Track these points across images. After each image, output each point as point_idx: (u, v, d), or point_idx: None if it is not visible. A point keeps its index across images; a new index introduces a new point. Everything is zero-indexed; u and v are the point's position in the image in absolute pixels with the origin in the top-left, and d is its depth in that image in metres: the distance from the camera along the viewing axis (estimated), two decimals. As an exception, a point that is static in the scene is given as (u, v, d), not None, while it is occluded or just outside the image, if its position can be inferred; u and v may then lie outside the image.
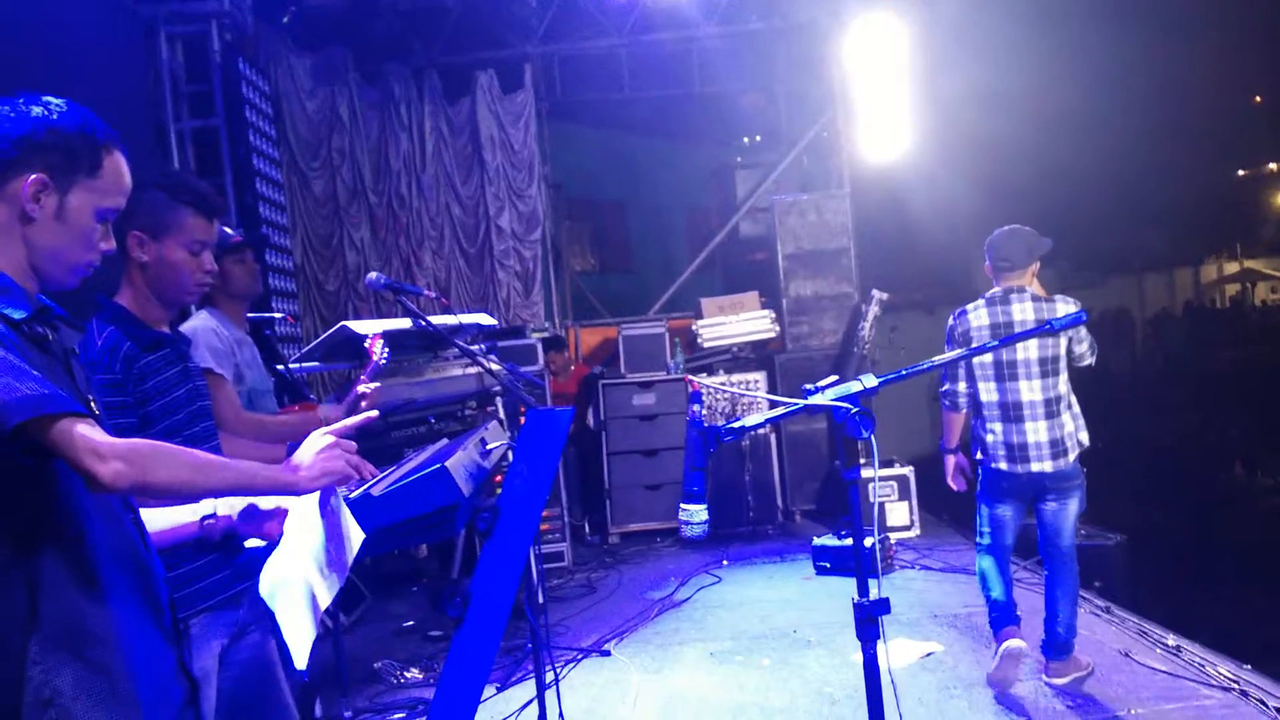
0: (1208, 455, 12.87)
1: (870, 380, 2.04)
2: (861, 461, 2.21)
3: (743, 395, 6.33)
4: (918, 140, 8.56)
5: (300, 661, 1.94)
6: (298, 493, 1.91)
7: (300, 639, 2.00)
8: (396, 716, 4.35)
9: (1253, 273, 30.27)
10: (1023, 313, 4.07)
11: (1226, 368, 20.06)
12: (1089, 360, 4.12)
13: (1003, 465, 4.10)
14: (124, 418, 2.28)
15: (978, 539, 4.31)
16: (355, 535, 2.13)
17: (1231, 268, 30.94)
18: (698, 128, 11.94)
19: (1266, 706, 3.72)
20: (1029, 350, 4.03)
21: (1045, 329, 2.47)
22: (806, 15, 8.83)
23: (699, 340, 8.08)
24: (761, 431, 7.63)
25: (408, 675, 4.81)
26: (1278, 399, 15.34)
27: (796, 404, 2.04)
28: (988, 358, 4.08)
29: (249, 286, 3.55)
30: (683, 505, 2.12)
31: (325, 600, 2.05)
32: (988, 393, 4.12)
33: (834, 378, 2.10)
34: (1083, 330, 3.96)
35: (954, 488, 4.46)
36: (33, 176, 1.67)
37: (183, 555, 2.30)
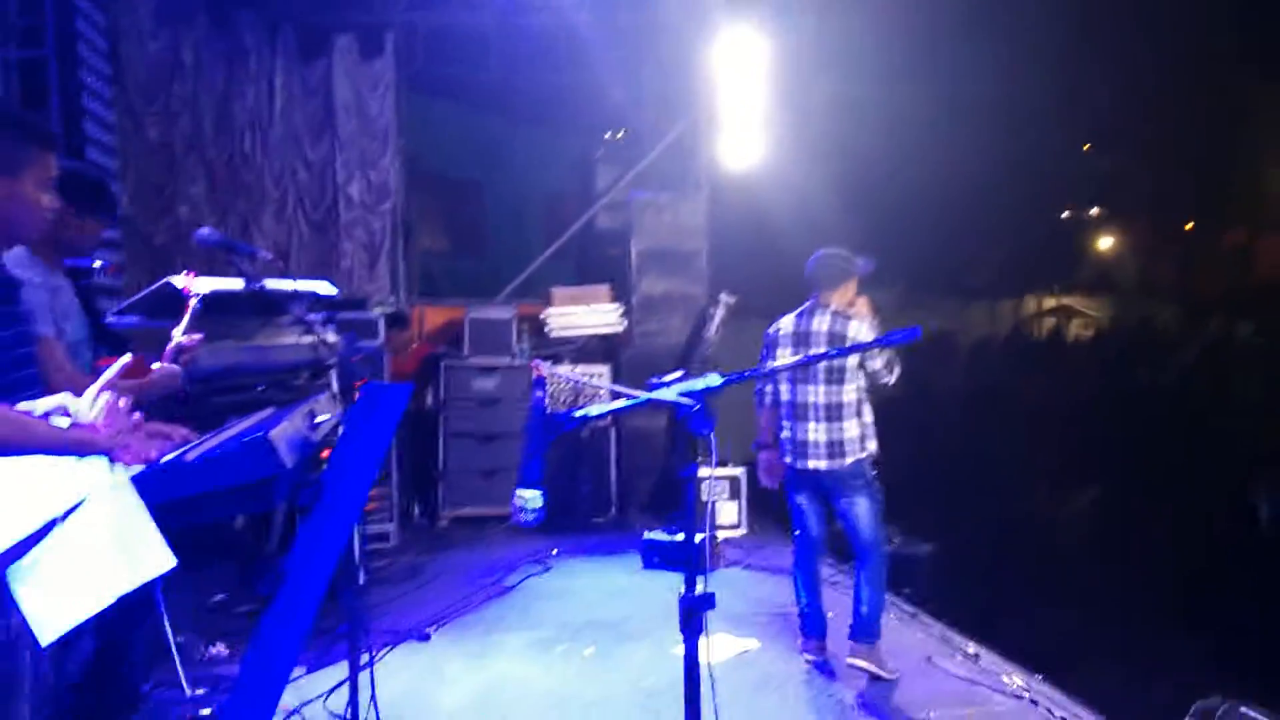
0: (1016, 477, 13.67)
1: (714, 379, 2.05)
2: (699, 459, 2.22)
3: (587, 384, 6.34)
4: (776, 149, 8.74)
5: (45, 638, 1.80)
6: (100, 453, 1.81)
7: (53, 616, 1.84)
8: (198, 692, 4.13)
9: (1068, 309, 32.39)
10: (819, 324, 4.45)
11: (1039, 396, 21.41)
12: (886, 379, 4.43)
13: (789, 459, 4.53)
14: None
15: (792, 530, 4.71)
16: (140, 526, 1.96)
17: (1049, 302, 33.00)
18: (562, 116, 11.84)
19: (1053, 715, 3.96)
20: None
21: (885, 341, 2.57)
22: (676, 17, 8.89)
23: (547, 329, 8.03)
24: (601, 424, 7.64)
25: (213, 651, 4.57)
26: (1082, 430, 16.48)
27: (641, 396, 2.03)
28: (786, 362, 4.48)
29: (80, 247, 3.28)
30: (518, 491, 2.08)
31: (113, 589, 1.90)
32: (785, 393, 4.55)
33: (679, 373, 2.10)
34: (876, 350, 4.36)
35: (765, 483, 4.82)
36: None
37: None
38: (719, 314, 7.96)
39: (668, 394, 2.04)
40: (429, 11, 8.80)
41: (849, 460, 4.38)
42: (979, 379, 24.19)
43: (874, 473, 4.47)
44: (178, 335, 3.29)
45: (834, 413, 4.39)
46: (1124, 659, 6.41)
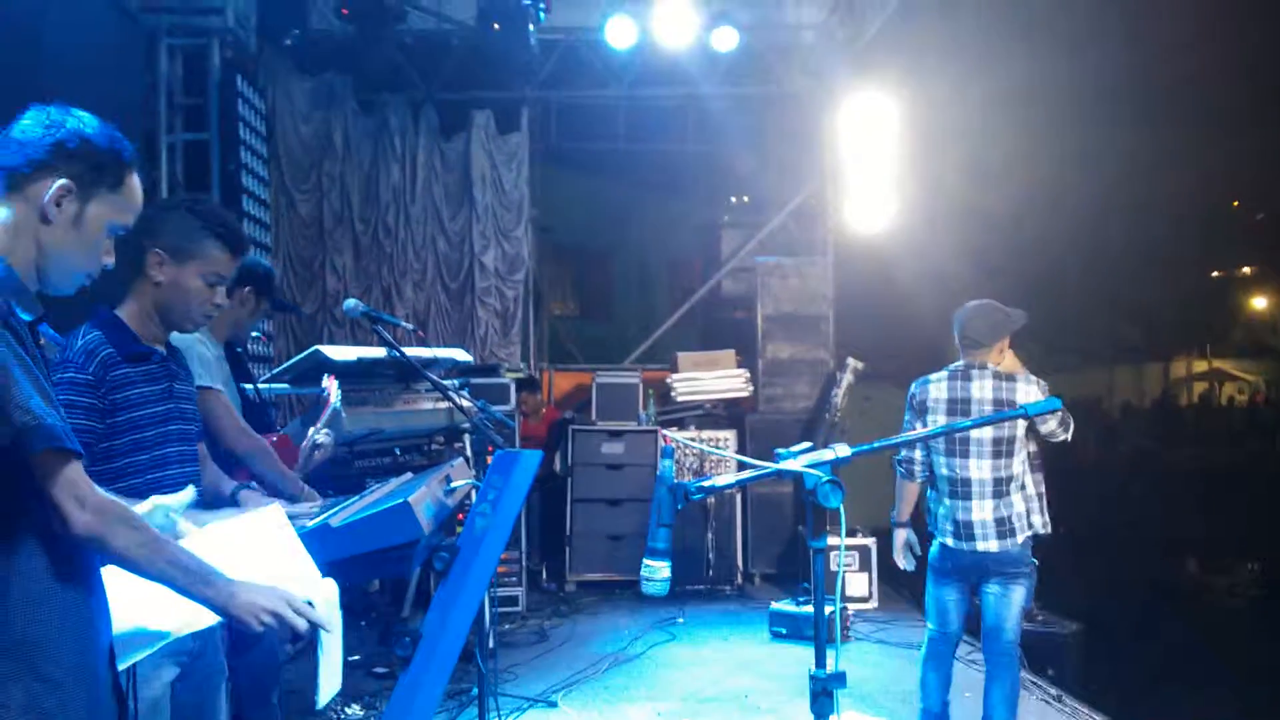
0: (1167, 551, 12.94)
1: (843, 449, 2.02)
2: (827, 530, 2.19)
3: (713, 453, 6.31)
4: (905, 213, 8.66)
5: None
6: (223, 615, 1.82)
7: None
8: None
9: (1221, 373, 30.75)
10: (981, 390, 3.96)
11: (1190, 465, 20.28)
12: (1062, 436, 4.00)
13: (949, 541, 4.01)
14: (87, 420, 2.22)
15: (926, 622, 4.19)
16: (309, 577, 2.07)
17: (1200, 366, 31.41)
18: (688, 183, 12.05)
19: (1213, 809, 3.69)
20: (983, 429, 3.89)
21: (1020, 413, 2.47)
22: (801, 86, 8.97)
23: (672, 394, 8.07)
24: (728, 491, 7.59)
25: (349, 711, 4.69)
26: (1238, 500, 15.51)
27: (768, 467, 2.02)
28: (934, 428, 4.00)
29: (242, 323, 3.56)
30: (646, 561, 2.09)
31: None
32: (940, 466, 4.04)
33: (807, 444, 2.08)
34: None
35: (900, 565, 4.35)
36: (60, 181, 1.76)
37: None
38: (846, 379, 7.86)
39: (794, 465, 2.03)
40: (563, 88, 9.13)
41: (1020, 539, 3.92)
42: (1126, 446, 23.10)
43: (1034, 560, 4.03)
44: (318, 437, 3.46)
45: (1002, 487, 3.92)
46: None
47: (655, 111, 9.60)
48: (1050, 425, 3.94)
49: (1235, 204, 28.79)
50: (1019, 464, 3.95)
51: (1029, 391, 3.90)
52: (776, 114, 9.61)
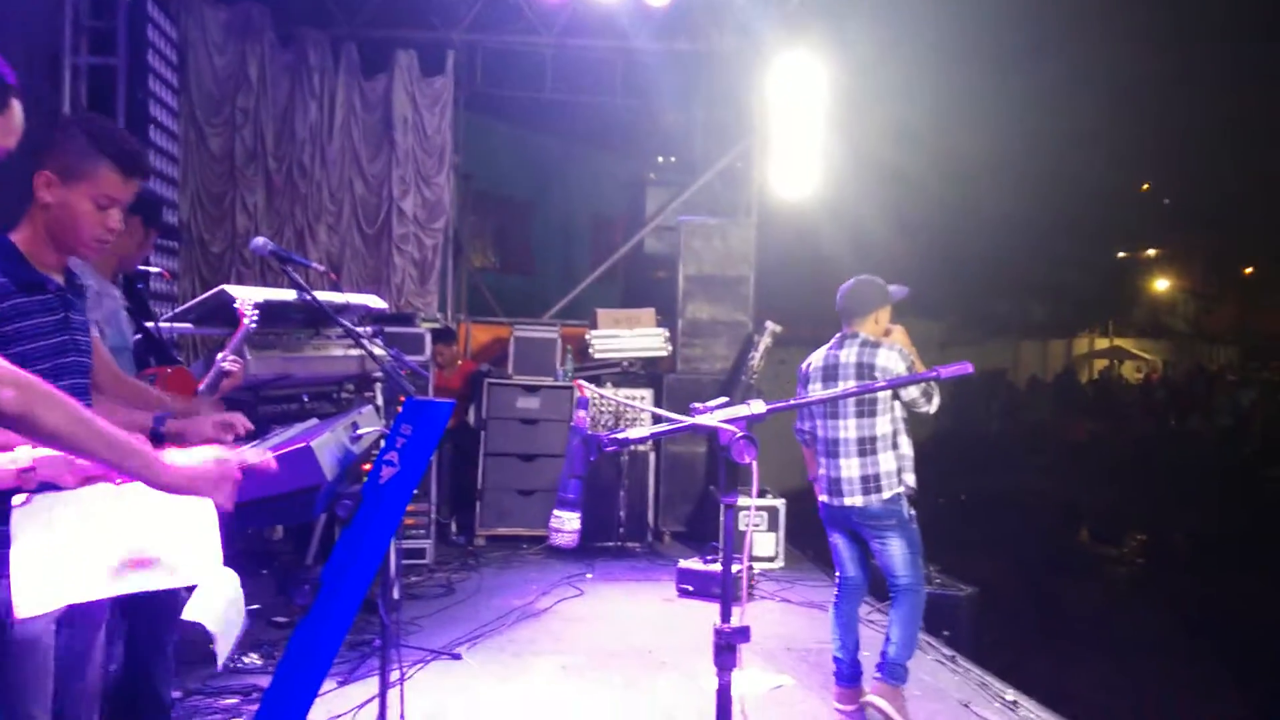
0: (1061, 520, 13.44)
1: (759, 406, 2.01)
2: (739, 488, 2.19)
3: (630, 407, 6.30)
4: (829, 178, 8.72)
5: (20, 611, 1.83)
6: (159, 488, 1.80)
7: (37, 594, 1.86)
8: (228, 701, 4.15)
9: (1121, 351, 31.88)
10: (847, 355, 4.29)
11: (1086, 438, 21.06)
12: (925, 407, 4.23)
13: (824, 497, 4.37)
14: None
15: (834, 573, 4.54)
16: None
17: (1102, 344, 32.52)
18: (614, 138, 11.94)
19: (1092, 766, 3.84)
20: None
21: (930, 376, 2.50)
22: (731, 45, 8.92)
23: (591, 350, 8.03)
24: (641, 448, 7.61)
25: (245, 660, 4.59)
26: (1130, 474, 16.19)
27: (683, 421, 2.01)
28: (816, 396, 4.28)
29: (130, 254, 3.38)
30: (556, 512, 2.06)
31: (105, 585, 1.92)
32: (818, 429, 4.38)
33: (723, 399, 2.07)
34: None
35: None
36: None
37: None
38: (763, 342, 7.91)
39: (710, 419, 2.01)
40: (490, 32, 8.91)
41: (886, 495, 4.18)
42: (1028, 418, 23.85)
43: (911, 511, 4.27)
44: (226, 364, 3.34)
45: (867, 446, 4.21)
46: (1167, 711, 6.23)
47: (584, 62, 9.45)
48: (912, 393, 4.21)
49: (1145, 187, 29.74)
50: (886, 423, 4.23)
51: (889, 357, 4.21)
52: (706, 73, 9.56)
